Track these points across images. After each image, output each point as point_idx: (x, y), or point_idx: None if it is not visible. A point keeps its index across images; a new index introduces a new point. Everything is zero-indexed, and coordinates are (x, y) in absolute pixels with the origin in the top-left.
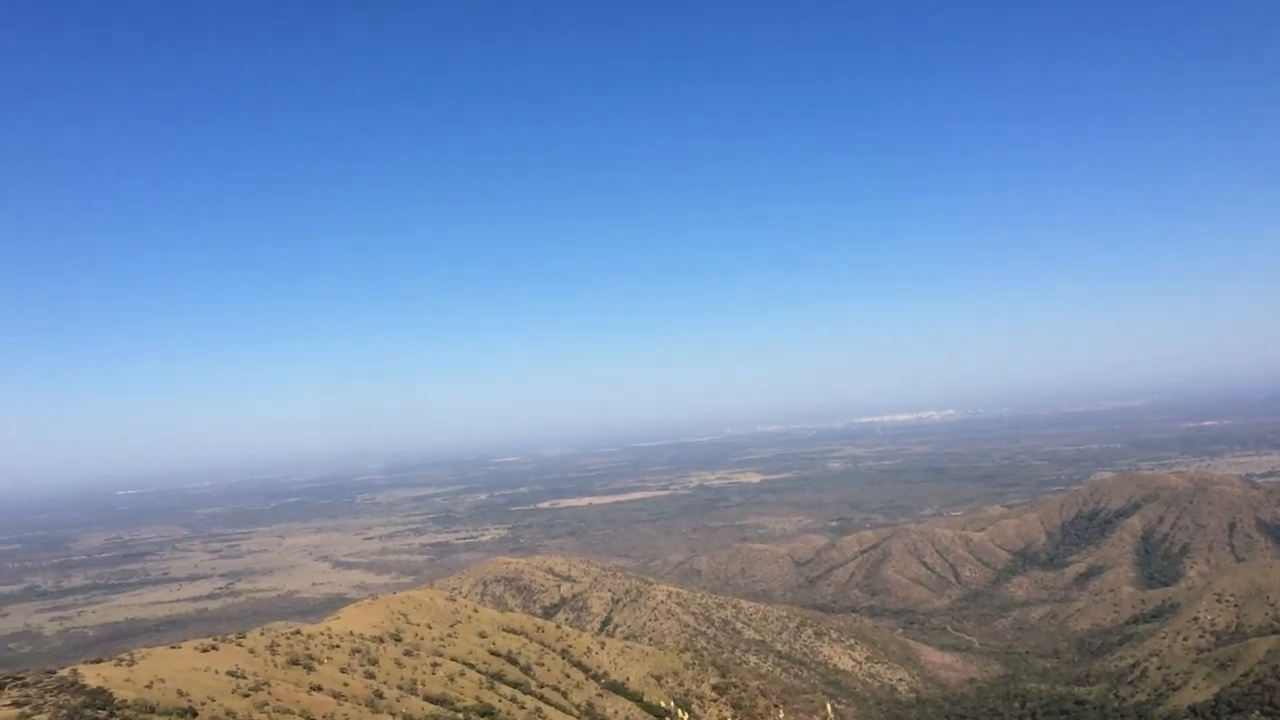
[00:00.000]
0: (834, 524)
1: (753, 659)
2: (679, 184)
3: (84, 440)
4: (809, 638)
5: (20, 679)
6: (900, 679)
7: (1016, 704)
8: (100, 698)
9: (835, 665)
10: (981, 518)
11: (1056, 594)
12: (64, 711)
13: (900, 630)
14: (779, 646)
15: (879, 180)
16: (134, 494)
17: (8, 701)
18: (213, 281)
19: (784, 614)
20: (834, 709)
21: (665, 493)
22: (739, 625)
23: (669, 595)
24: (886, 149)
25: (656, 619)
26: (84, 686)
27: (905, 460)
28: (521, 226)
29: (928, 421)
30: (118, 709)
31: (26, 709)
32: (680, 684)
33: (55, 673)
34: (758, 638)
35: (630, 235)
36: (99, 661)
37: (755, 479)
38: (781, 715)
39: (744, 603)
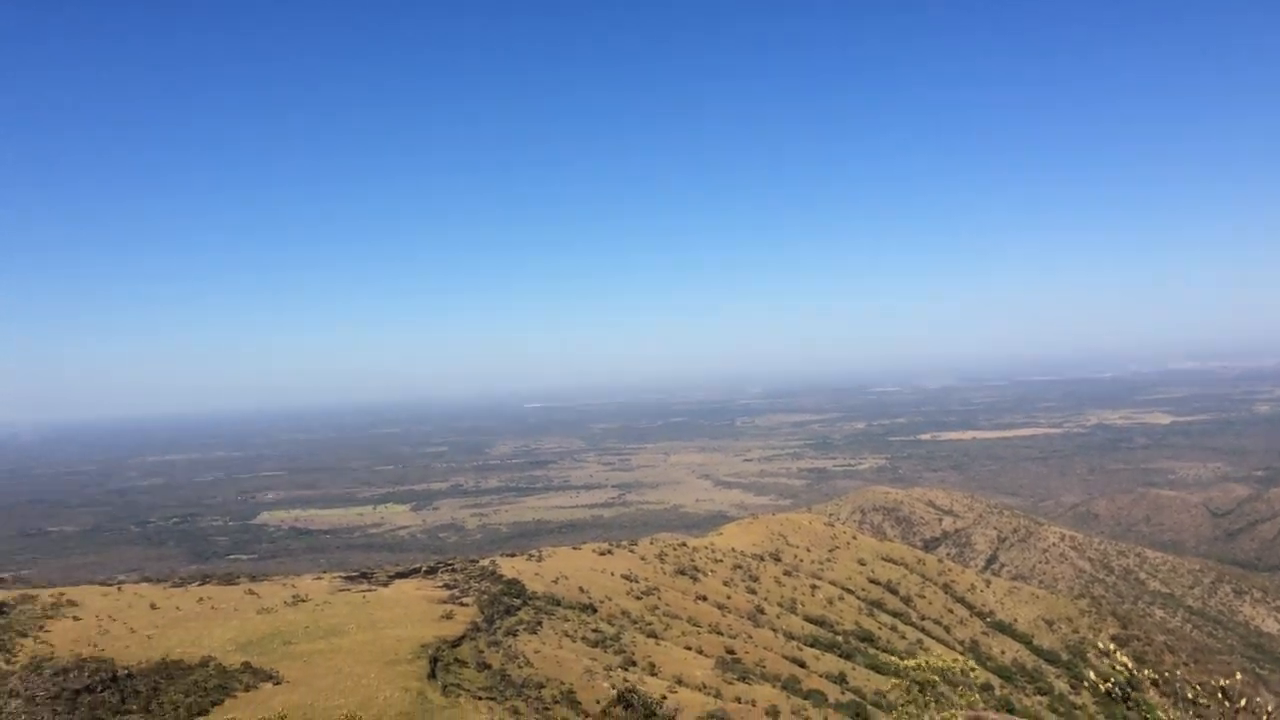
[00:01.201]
0: (1260, 473)
1: (1158, 612)
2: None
3: (503, 358)
4: (1226, 595)
5: (450, 565)
6: None
7: None
8: (515, 587)
9: (1258, 627)
10: None
11: None
12: (486, 596)
13: None
14: (1190, 602)
15: None
16: (539, 407)
17: (440, 583)
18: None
19: (1196, 567)
20: (1258, 673)
21: (1058, 430)
22: (1142, 575)
23: (1062, 538)
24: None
25: (1048, 561)
26: (501, 576)
27: None
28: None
29: None
30: (530, 599)
31: (455, 591)
32: (1074, 631)
33: (478, 562)
34: (1164, 590)
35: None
36: (513, 555)
37: (1164, 420)
38: (1237, 675)
39: (1149, 552)
